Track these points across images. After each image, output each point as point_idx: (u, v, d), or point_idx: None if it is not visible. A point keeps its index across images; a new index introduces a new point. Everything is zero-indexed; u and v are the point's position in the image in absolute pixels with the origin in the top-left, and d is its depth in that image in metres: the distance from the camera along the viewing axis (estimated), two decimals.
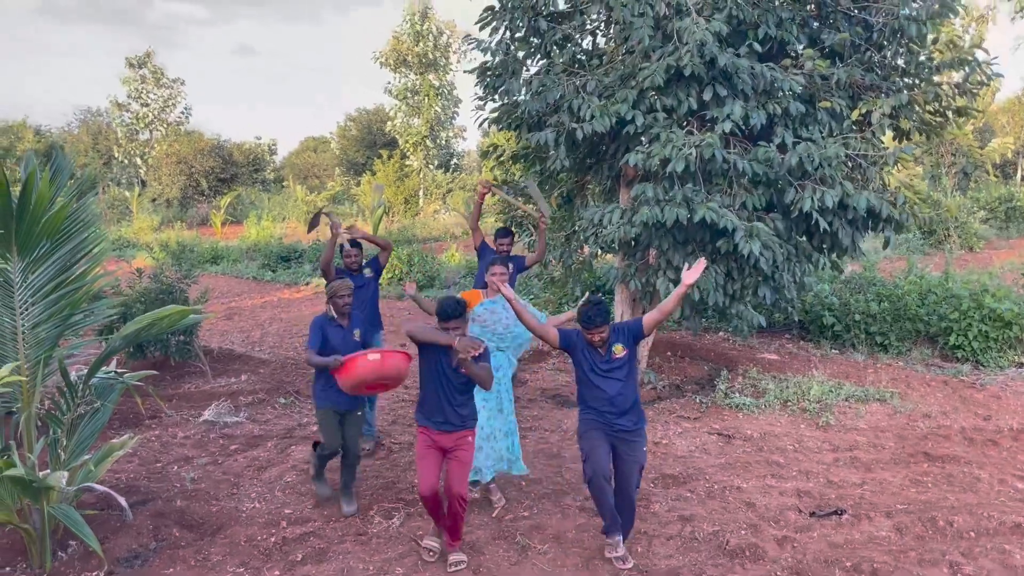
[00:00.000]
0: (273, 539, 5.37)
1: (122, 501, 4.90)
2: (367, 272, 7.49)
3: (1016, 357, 10.30)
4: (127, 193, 40.43)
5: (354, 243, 7.49)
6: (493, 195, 8.36)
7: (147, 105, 46.83)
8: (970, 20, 32.75)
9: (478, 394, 5.64)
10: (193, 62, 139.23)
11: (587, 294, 5.51)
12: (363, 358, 5.40)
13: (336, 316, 5.93)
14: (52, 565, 4.93)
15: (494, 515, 5.79)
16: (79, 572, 4.90)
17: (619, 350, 4.95)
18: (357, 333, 6.00)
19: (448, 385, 5.03)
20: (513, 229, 8.97)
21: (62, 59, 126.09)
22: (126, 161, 46.17)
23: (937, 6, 7.89)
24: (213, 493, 6.18)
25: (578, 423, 5.13)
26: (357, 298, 6.54)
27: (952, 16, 8.19)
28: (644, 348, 9.40)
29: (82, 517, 4.74)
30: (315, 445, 6.11)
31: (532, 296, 14.68)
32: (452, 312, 4.96)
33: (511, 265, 7.40)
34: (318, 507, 5.93)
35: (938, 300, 11.03)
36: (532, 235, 11.28)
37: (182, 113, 48.67)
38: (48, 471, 4.93)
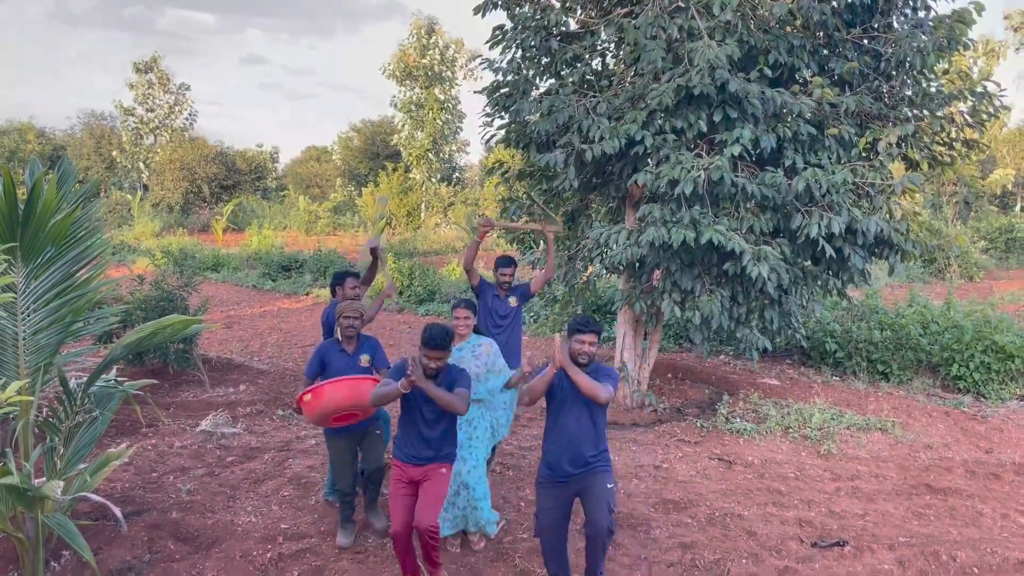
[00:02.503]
0: (269, 555, 5.30)
1: (117, 512, 4.83)
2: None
3: (1018, 390, 10.25)
4: (129, 197, 40.41)
5: (355, 273, 6.84)
6: (493, 230, 7.52)
7: (152, 110, 46.90)
8: (979, 54, 32.92)
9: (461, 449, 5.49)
10: (201, 69, 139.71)
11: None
12: (301, 399, 5.26)
13: (342, 340, 5.64)
14: (44, 575, 4.85)
15: (476, 548, 5.57)
16: None
17: None
18: (365, 359, 5.64)
19: (420, 418, 4.82)
20: (515, 252, 8.59)
21: (70, 63, 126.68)
22: (129, 165, 46.19)
23: (945, 40, 7.90)
24: (209, 505, 6.11)
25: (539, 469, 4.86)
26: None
27: (961, 50, 8.21)
28: (645, 370, 9.36)
29: (76, 527, 4.67)
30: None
31: (533, 314, 14.65)
32: (439, 342, 4.60)
33: (516, 296, 6.99)
34: (315, 523, 5.86)
35: (940, 330, 11.01)
36: (535, 251, 11.25)
37: (187, 119, 48.74)
38: (44, 479, 4.87)
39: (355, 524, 5.73)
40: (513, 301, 6.98)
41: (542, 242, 11.08)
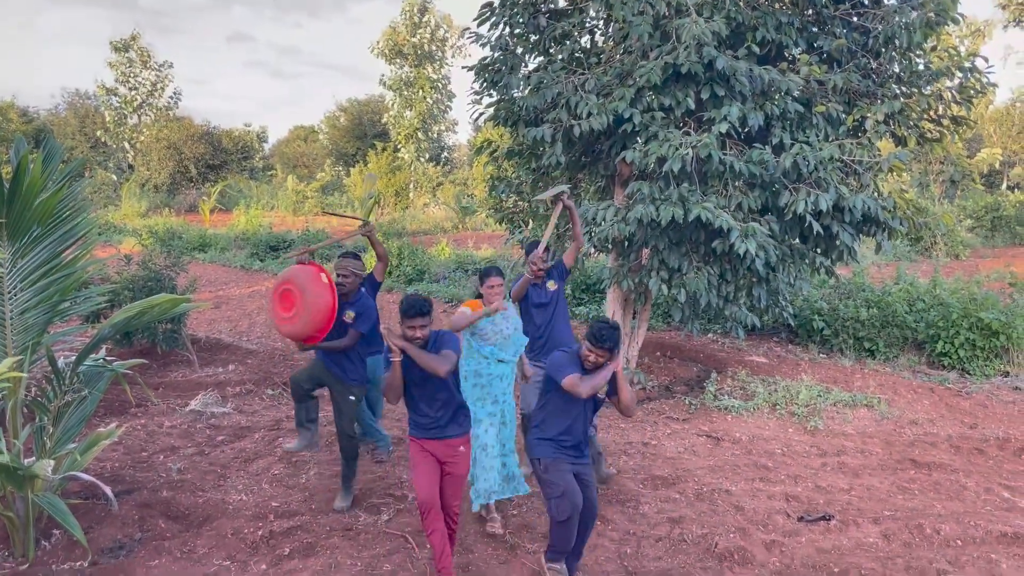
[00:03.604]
0: (260, 532, 5.32)
1: (107, 491, 4.85)
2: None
3: (1002, 366, 10.36)
4: (114, 177, 40.05)
5: (354, 254, 6.49)
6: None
7: (135, 89, 46.32)
8: (966, 34, 32.98)
9: (482, 408, 5.50)
10: (186, 48, 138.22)
11: None
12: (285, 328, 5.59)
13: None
14: (35, 554, 4.87)
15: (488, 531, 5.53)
16: (63, 561, 4.84)
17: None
18: (349, 315, 5.75)
19: (426, 390, 4.64)
20: (504, 232, 8.29)
21: (53, 41, 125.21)
22: (114, 145, 45.70)
23: (932, 15, 7.91)
24: (199, 484, 6.13)
25: (534, 450, 4.70)
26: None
27: (950, 24, 8.22)
28: (633, 349, 9.40)
29: (67, 506, 4.69)
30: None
31: None
32: (416, 309, 4.45)
33: (554, 279, 6.34)
34: (306, 501, 5.89)
35: (926, 307, 11.09)
36: (523, 230, 11.23)
37: (171, 97, 48.17)
38: (33, 459, 4.88)
39: (309, 431, 5.99)
40: (552, 285, 6.34)
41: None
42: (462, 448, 4.77)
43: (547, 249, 6.30)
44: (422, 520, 4.63)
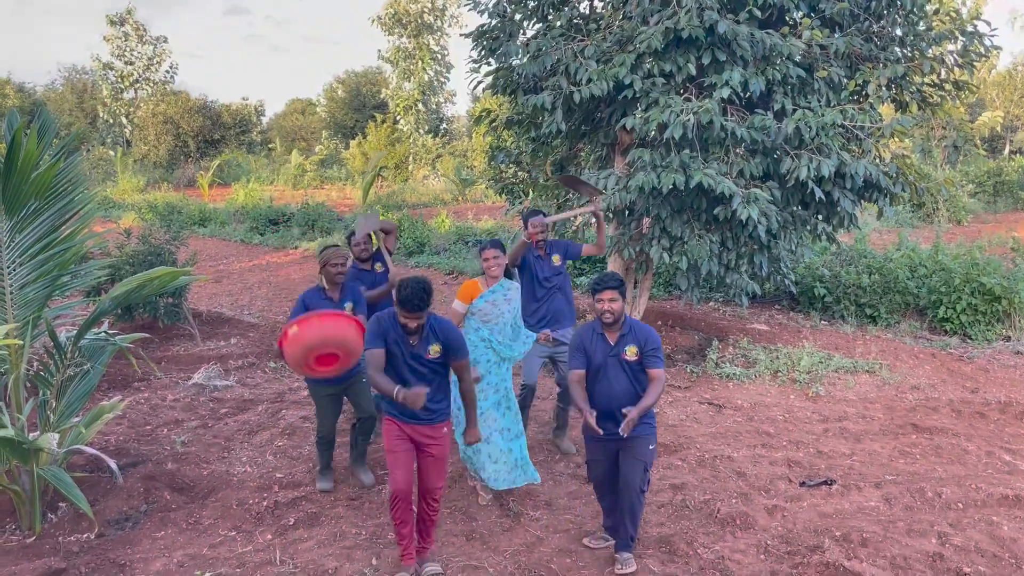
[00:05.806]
0: (265, 503, 5.36)
1: (112, 464, 4.87)
2: (378, 267, 6.44)
3: (1004, 331, 10.36)
4: (112, 153, 39.85)
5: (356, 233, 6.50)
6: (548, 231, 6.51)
7: (131, 63, 45.99)
8: None
9: (485, 401, 5.41)
10: (183, 21, 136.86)
11: None
12: (286, 333, 4.71)
13: (327, 287, 5.57)
14: (42, 527, 4.90)
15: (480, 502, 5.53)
16: (69, 534, 4.88)
17: (632, 352, 4.49)
18: (348, 307, 5.57)
19: (416, 373, 4.36)
20: (503, 203, 8.24)
21: (48, 16, 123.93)
22: (111, 120, 45.45)
23: None
24: (204, 456, 6.16)
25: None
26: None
27: None
28: (635, 317, 9.38)
29: (72, 479, 4.71)
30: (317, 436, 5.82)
31: None
32: (416, 304, 4.11)
33: (558, 253, 6.35)
34: (310, 472, 5.92)
35: (928, 273, 11.07)
36: (522, 200, 11.19)
37: (167, 71, 47.83)
38: (38, 433, 4.90)
39: (332, 470, 5.81)
40: (556, 259, 6.32)
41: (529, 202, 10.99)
42: (444, 430, 4.55)
43: (543, 215, 6.32)
44: (393, 509, 4.40)
